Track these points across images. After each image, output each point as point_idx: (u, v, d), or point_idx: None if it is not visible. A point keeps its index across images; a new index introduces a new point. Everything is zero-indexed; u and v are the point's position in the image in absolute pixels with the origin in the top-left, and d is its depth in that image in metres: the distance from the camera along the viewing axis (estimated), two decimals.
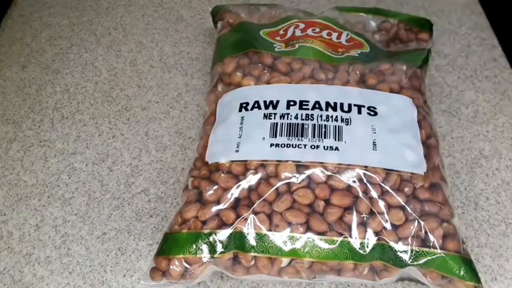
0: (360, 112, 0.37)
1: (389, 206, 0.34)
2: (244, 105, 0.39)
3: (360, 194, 0.34)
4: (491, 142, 0.47)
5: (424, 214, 0.34)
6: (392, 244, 0.33)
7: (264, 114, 0.38)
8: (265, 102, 0.38)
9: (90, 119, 0.50)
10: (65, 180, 0.46)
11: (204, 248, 0.34)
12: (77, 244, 0.42)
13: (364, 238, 0.33)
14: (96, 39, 0.57)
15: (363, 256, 0.33)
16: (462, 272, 0.32)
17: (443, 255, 0.33)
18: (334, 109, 0.37)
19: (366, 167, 0.35)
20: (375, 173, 0.35)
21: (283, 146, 0.36)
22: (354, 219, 0.33)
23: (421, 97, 0.40)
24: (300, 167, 0.35)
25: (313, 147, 0.35)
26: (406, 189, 0.35)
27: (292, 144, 0.36)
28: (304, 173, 0.35)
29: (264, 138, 0.36)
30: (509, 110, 0.49)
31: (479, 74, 0.52)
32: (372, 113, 0.37)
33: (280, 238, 0.33)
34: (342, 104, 0.38)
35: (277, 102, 0.38)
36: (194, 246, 0.34)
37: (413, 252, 0.33)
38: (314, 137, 0.36)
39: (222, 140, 0.38)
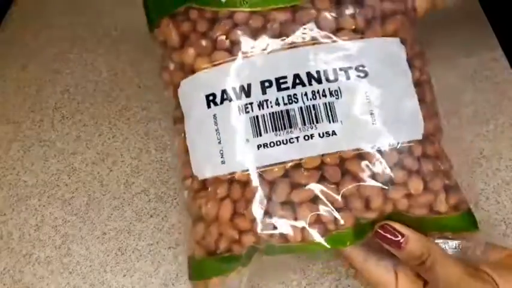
0: (348, 77, 0.30)
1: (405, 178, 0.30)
2: (211, 98, 0.31)
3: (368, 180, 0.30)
4: (491, 142, 0.47)
5: (431, 175, 0.31)
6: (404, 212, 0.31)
7: (238, 106, 0.30)
8: (234, 89, 0.31)
9: (90, 119, 0.50)
10: (65, 180, 0.46)
11: (232, 266, 0.32)
12: (77, 244, 0.42)
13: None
14: (96, 39, 0.57)
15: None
16: (468, 227, 0.32)
17: (451, 217, 0.31)
18: (319, 81, 0.30)
19: (372, 148, 0.30)
20: (381, 153, 0.30)
21: (272, 144, 0.30)
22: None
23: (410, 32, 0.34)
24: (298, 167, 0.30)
25: (306, 137, 0.30)
26: (415, 155, 0.31)
27: (283, 140, 0.30)
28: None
29: (247, 140, 0.30)
30: (509, 110, 0.49)
31: (479, 74, 0.52)
32: (362, 75, 0.31)
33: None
34: (325, 72, 0.30)
35: (249, 86, 0.30)
36: (218, 268, 0.32)
37: (423, 220, 0.31)
38: (305, 124, 0.30)
39: (201, 145, 0.32)
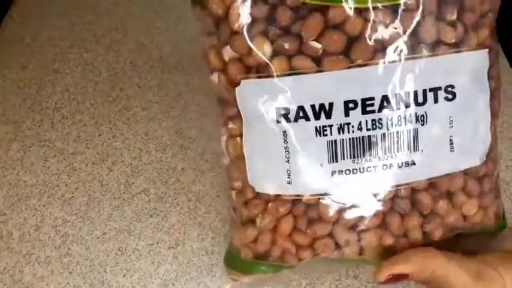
0: (436, 100, 0.27)
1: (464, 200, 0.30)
2: (282, 112, 0.27)
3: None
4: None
5: (487, 193, 0.30)
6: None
7: (316, 128, 0.27)
8: (313, 107, 0.26)
9: (90, 119, 0.50)
10: (65, 180, 0.46)
11: (277, 269, 0.32)
12: (77, 244, 0.42)
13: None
14: (96, 39, 0.57)
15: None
16: (500, 228, 0.32)
17: (489, 226, 0.31)
18: (407, 104, 0.26)
19: (446, 175, 0.28)
20: (451, 180, 0.29)
21: (348, 172, 0.27)
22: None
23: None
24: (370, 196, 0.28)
25: (385, 167, 0.27)
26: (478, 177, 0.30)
27: (360, 169, 0.27)
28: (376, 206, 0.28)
29: (321, 164, 0.27)
30: (509, 110, 0.49)
31: None
32: (450, 96, 0.27)
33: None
34: (416, 94, 0.26)
35: (331, 105, 0.26)
36: (261, 270, 0.32)
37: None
38: (385, 152, 0.27)
39: (263, 158, 0.29)
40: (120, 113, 0.50)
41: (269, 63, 0.26)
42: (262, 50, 0.26)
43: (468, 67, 0.28)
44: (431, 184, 0.29)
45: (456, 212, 0.30)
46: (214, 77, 0.29)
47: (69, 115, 0.51)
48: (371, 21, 0.25)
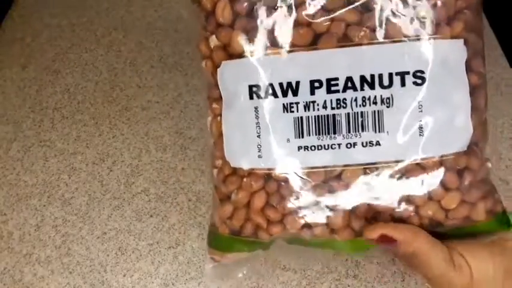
0: (403, 83, 0.28)
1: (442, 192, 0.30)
2: (254, 89, 0.30)
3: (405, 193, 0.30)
4: (491, 142, 0.47)
5: (471, 187, 0.30)
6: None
7: (284, 105, 0.29)
8: (281, 85, 0.29)
9: (90, 119, 0.50)
10: (65, 180, 0.46)
11: (251, 247, 0.33)
12: (77, 244, 0.42)
13: None
14: (96, 40, 0.57)
15: None
16: (501, 227, 0.31)
17: (483, 223, 0.31)
18: (372, 86, 0.28)
19: (414, 161, 0.29)
20: (423, 167, 0.29)
21: (313, 148, 0.29)
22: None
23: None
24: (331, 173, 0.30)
25: (349, 145, 0.29)
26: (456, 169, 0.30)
27: (324, 145, 0.29)
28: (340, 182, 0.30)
29: (288, 140, 0.29)
30: (509, 110, 0.49)
31: None
32: (419, 81, 0.28)
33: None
34: (381, 76, 0.28)
35: (298, 84, 0.29)
36: (238, 247, 0.33)
37: (455, 229, 0.31)
38: (349, 131, 0.29)
39: (238, 134, 0.31)
40: (120, 113, 0.50)
41: (244, 50, 0.29)
42: (240, 41, 0.29)
43: (440, 55, 0.29)
44: (404, 171, 0.29)
45: (434, 204, 0.30)
46: (203, 64, 0.33)
47: (69, 115, 0.51)
48: (337, 20, 0.28)
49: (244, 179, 0.31)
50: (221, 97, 0.32)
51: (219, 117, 0.32)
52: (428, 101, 0.28)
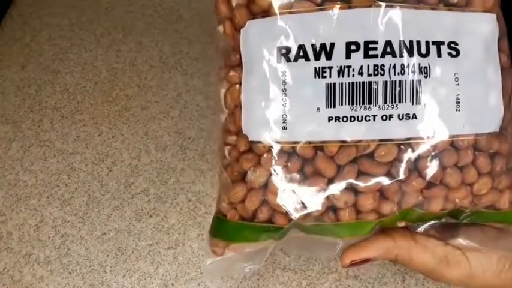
0: (439, 54, 0.27)
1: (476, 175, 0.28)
2: (283, 51, 0.27)
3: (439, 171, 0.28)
4: None
5: (500, 174, 0.29)
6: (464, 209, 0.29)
7: (315, 69, 0.26)
8: (313, 47, 0.26)
9: (89, 119, 0.50)
10: (64, 180, 0.46)
11: (263, 236, 0.29)
12: (76, 244, 0.42)
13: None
14: (96, 39, 0.57)
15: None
16: None
17: (507, 213, 0.29)
18: (411, 53, 0.26)
19: (451, 137, 0.27)
20: (456, 147, 0.27)
21: (345, 119, 0.26)
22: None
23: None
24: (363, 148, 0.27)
25: (384, 118, 0.26)
26: (490, 151, 0.28)
27: (358, 117, 0.26)
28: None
29: (318, 109, 0.27)
30: None
31: None
32: (454, 53, 0.27)
33: None
34: (419, 43, 0.26)
35: (332, 46, 0.26)
36: (248, 236, 0.30)
37: (478, 214, 0.29)
38: (386, 102, 0.26)
39: (260, 104, 0.28)
40: (120, 113, 0.50)
41: (272, 3, 0.27)
42: None
43: (474, 28, 0.27)
44: (439, 149, 0.27)
45: (465, 189, 0.28)
46: (221, 28, 0.30)
47: (68, 115, 0.51)
48: None
49: (264, 155, 0.28)
50: (241, 63, 0.29)
51: (237, 86, 0.29)
52: (464, 74, 0.27)
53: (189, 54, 0.55)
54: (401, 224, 0.29)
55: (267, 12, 0.27)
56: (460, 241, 0.30)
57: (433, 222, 0.31)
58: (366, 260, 0.30)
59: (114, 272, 0.41)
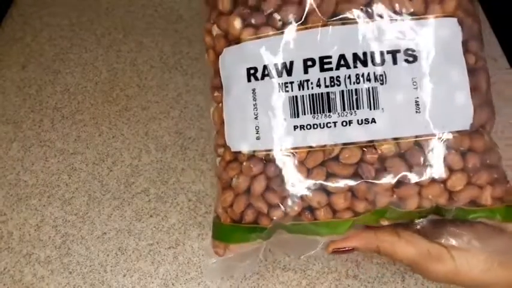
0: (395, 61, 0.29)
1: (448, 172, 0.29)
2: (252, 71, 0.31)
3: (407, 171, 0.29)
4: None
5: (477, 170, 0.30)
6: (443, 207, 0.30)
7: (279, 84, 0.30)
8: (276, 66, 0.30)
9: (90, 119, 0.50)
10: (65, 180, 0.46)
11: (252, 236, 0.32)
12: (77, 244, 0.42)
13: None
14: (96, 39, 0.57)
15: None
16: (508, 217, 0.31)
17: (492, 209, 0.30)
18: (364, 63, 0.29)
19: (413, 138, 0.29)
20: (421, 146, 0.29)
21: (308, 127, 0.29)
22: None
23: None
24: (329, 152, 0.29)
25: (344, 123, 0.29)
26: (461, 149, 0.29)
27: (320, 124, 0.29)
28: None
29: (285, 119, 0.30)
30: (506, 110, 0.49)
31: None
32: (411, 59, 0.29)
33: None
34: (372, 54, 0.29)
35: (291, 63, 0.30)
36: (240, 236, 0.32)
37: (462, 210, 0.30)
38: (344, 109, 0.29)
39: (237, 118, 0.32)
40: (120, 113, 0.50)
41: (241, 34, 0.31)
42: (237, 25, 0.31)
43: (432, 33, 0.29)
44: (403, 149, 0.29)
45: (437, 186, 0.29)
46: (206, 55, 0.34)
47: (69, 115, 0.51)
48: None
49: (244, 163, 0.31)
50: (222, 84, 0.33)
51: (220, 105, 0.33)
52: (423, 77, 0.29)
53: (189, 54, 0.55)
54: (385, 222, 0.31)
55: (238, 39, 0.31)
56: (447, 240, 0.31)
57: (419, 220, 0.32)
58: (349, 250, 0.32)
59: (114, 272, 0.41)
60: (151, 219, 0.43)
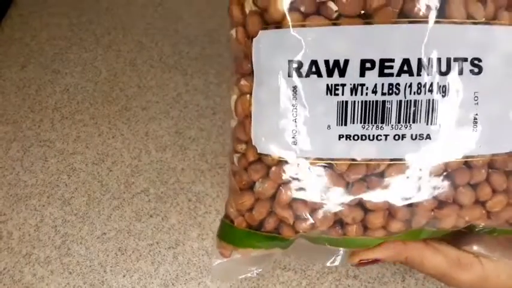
0: (461, 72, 0.25)
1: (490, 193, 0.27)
2: (295, 65, 0.26)
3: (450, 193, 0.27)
4: None
5: None
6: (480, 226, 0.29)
7: (328, 86, 0.26)
8: (327, 63, 0.25)
9: (90, 119, 0.50)
10: (64, 180, 0.46)
11: (270, 244, 0.30)
12: (76, 244, 0.42)
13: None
14: (96, 39, 0.57)
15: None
16: None
17: None
18: (429, 71, 0.25)
19: (465, 158, 0.26)
20: (470, 166, 0.26)
21: (356, 138, 0.26)
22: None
23: None
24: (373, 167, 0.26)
25: (397, 137, 0.26)
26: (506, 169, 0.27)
27: (369, 136, 0.26)
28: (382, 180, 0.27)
29: (329, 126, 0.26)
30: None
31: None
32: (476, 70, 0.25)
33: None
34: (439, 61, 0.25)
35: (346, 62, 0.25)
36: (254, 243, 0.30)
37: (493, 228, 0.29)
38: (399, 122, 0.25)
39: (270, 117, 0.27)
40: (120, 113, 0.50)
41: (286, 15, 0.26)
42: (281, 6, 0.26)
43: (499, 44, 0.26)
44: (451, 169, 0.27)
45: (478, 206, 0.27)
46: (233, 32, 0.29)
47: (69, 115, 0.51)
48: None
49: (273, 168, 0.27)
50: (252, 73, 0.28)
51: (247, 96, 0.28)
52: (485, 92, 0.26)
53: (189, 54, 0.55)
54: None
55: (279, 24, 0.26)
56: (473, 248, 0.30)
57: None
58: (375, 261, 0.29)
59: (114, 272, 0.41)
60: (151, 219, 0.43)
